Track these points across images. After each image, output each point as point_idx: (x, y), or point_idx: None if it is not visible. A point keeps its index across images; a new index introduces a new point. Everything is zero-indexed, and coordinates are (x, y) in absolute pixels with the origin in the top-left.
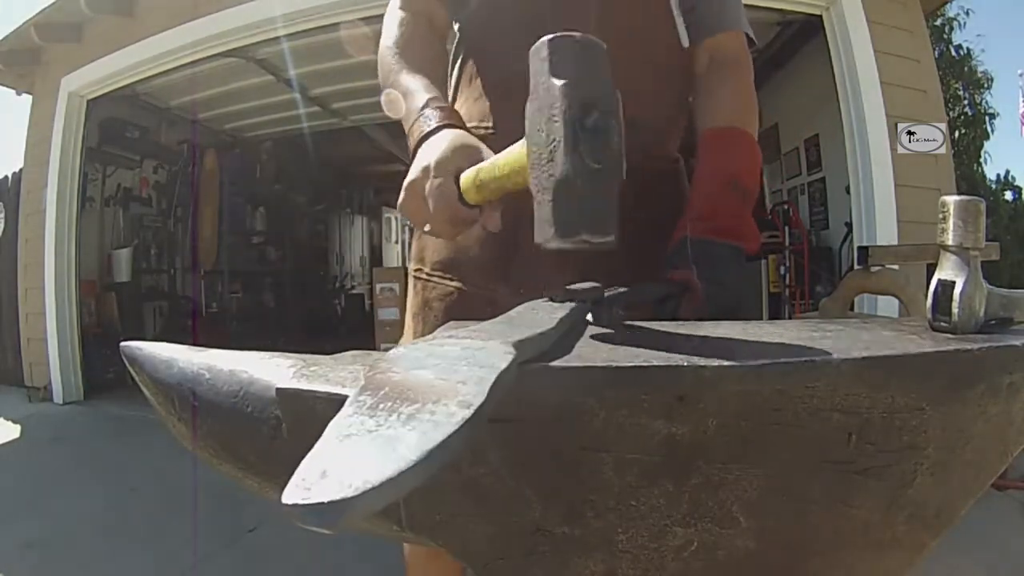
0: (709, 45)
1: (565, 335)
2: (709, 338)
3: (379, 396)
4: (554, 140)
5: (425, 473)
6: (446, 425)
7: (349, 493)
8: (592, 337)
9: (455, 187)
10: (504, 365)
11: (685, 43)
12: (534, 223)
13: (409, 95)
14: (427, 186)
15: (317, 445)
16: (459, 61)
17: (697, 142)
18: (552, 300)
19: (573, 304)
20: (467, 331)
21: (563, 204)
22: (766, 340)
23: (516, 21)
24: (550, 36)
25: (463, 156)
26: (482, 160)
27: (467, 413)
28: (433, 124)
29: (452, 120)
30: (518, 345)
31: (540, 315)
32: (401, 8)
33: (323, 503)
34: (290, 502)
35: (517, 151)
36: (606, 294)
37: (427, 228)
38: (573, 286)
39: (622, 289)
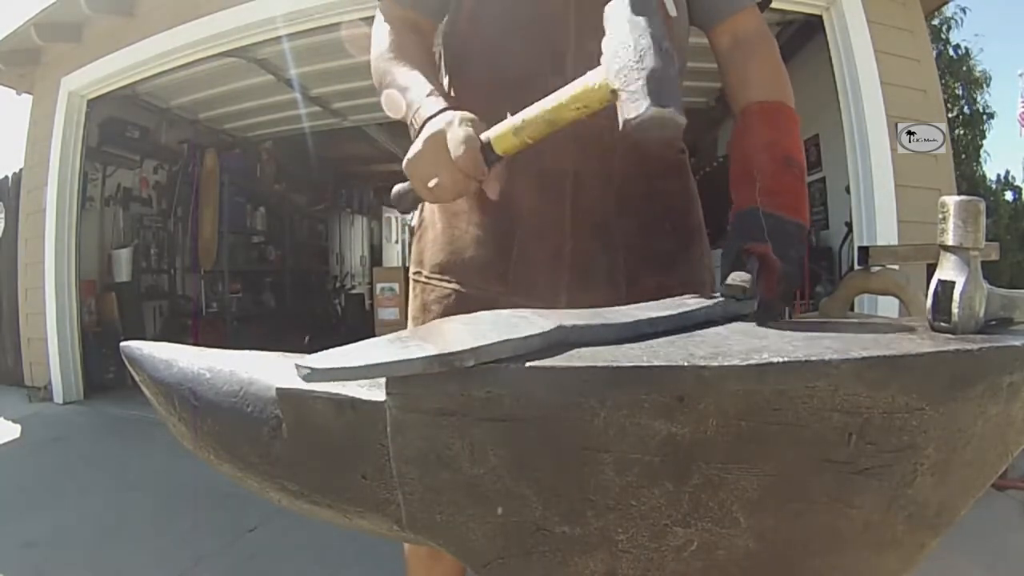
0: (728, 25)
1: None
2: (709, 338)
3: (415, 334)
4: (643, 49)
5: (370, 374)
6: (416, 352)
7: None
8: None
9: (478, 138)
10: (522, 335)
11: (672, 11)
12: (620, 109)
13: (408, 90)
14: (450, 135)
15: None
16: (449, 66)
17: (739, 115)
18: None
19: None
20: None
21: (656, 86)
22: (766, 340)
23: (501, 26)
24: None
25: (476, 123)
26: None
27: (432, 351)
28: (439, 107)
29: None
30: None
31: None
32: (386, 21)
33: (314, 368)
34: (301, 363)
35: (584, 82)
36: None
37: (432, 183)
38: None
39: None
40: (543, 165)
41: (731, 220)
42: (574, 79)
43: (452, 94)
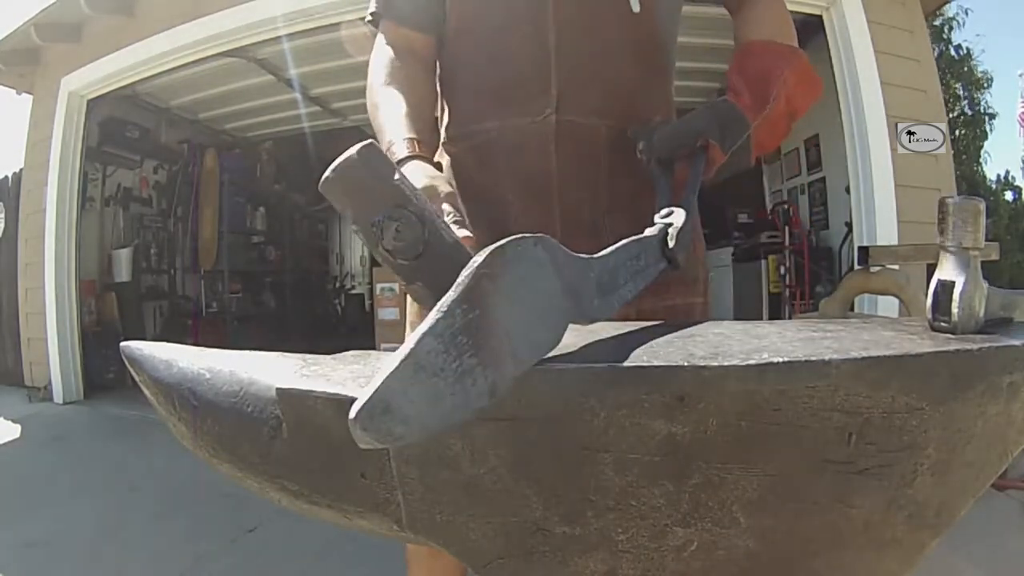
0: None
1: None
2: (709, 338)
3: (467, 319)
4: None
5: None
6: (481, 396)
7: (396, 435)
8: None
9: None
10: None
11: (636, 7)
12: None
13: (383, 133)
14: None
15: (395, 359)
16: (443, 74)
17: (749, 46)
18: None
19: None
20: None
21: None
22: (766, 340)
23: (485, 34)
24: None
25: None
26: (437, 193)
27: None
28: (398, 157)
29: (417, 153)
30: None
31: None
32: (385, 43)
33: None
34: (355, 420)
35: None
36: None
37: None
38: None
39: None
40: (527, 166)
41: (727, 94)
42: (558, 80)
43: (445, 102)
